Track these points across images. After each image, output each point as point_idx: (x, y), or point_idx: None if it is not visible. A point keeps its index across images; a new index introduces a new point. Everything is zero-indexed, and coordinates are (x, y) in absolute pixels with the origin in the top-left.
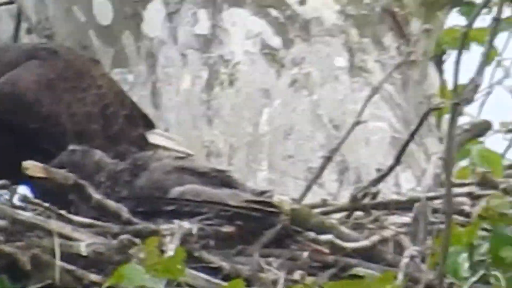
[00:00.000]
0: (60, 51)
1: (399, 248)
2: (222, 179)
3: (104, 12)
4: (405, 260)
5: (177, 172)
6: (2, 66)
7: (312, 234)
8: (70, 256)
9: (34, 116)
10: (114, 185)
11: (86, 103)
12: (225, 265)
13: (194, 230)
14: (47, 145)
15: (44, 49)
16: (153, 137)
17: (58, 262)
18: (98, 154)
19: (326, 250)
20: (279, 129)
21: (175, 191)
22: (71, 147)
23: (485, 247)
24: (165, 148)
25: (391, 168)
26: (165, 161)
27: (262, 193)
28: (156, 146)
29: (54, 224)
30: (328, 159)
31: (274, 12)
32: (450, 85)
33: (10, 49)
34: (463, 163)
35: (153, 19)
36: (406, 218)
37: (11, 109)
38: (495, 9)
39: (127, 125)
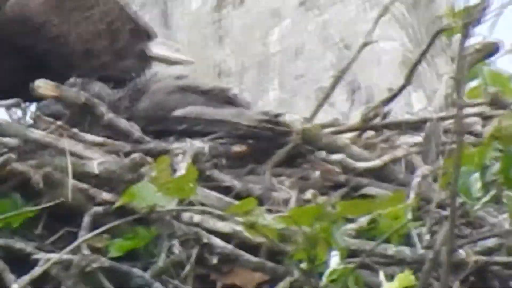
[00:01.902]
0: None
1: (411, 168)
2: (226, 97)
3: None
4: (416, 179)
5: (180, 92)
6: None
7: (323, 154)
8: (82, 175)
9: (43, 37)
10: (117, 113)
11: (93, 21)
12: (236, 183)
13: (206, 149)
14: (56, 65)
15: None
16: (156, 47)
17: (70, 180)
18: (98, 86)
19: (338, 169)
20: (289, 48)
21: (177, 113)
22: (71, 79)
23: (496, 167)
24: (165, 60)
25: (402, 88)
26: (166, 82)
27: (267, 113)
28: (157, 59)
29: (66, 143)
30: (338, 78)
31: None
32: (460, 5)
33: None
34: (474, 83)
35: None
36: (418, 138)
37: (21, 31)
38: None
39: (132, 40)
